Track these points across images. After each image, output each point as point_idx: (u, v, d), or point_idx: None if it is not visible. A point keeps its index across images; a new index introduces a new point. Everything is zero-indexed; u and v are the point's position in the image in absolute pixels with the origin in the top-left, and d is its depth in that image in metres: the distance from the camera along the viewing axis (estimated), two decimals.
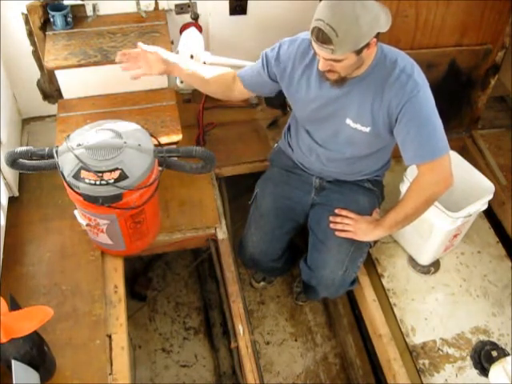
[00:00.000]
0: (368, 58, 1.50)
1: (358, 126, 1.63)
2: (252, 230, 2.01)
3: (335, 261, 1.84)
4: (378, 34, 1.41)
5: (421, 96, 1.51)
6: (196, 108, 2.37)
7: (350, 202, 1.85)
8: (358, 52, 1.41)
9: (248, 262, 2.18)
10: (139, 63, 1.70)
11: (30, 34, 2.16)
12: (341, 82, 1.53)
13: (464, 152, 2.42)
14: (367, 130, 1.62)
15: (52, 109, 2.36)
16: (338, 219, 1.82)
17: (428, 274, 2.10)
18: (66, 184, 1.59)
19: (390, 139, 1.65)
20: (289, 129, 1.95)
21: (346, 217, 1.81)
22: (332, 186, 1.90)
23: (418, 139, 1.54)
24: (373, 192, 1.90)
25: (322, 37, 1.36)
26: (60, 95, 2.21)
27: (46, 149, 1.61)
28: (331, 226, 1.83)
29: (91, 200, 1.58)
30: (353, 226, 1.79)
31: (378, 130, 1.62)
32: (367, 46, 1.41)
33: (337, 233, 1.82)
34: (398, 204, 1.70)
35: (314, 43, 1.42)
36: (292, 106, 1.79)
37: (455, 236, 2.03)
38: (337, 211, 1.84)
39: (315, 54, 1.48)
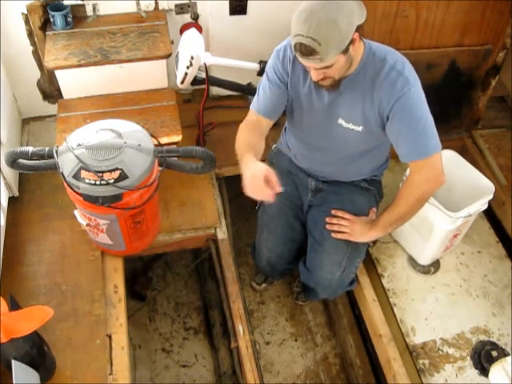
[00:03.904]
0: (357, 54, 1.49)
1: (351, 126, 1.62)
2: (264, 234, 2.01)
3: (332, 262, 1.84)
4: (359, 27, 1.39)
5: (411, 94, 1.48)
6: (196, 108, 2.36)
7: (346, 202, 1.84)
8: (345, 51, 1.39)
9: (265, 268, 2.17)
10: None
11: (30, 34, 2.16)
12: (336, 85, 1.52)
13: (464, 152, 2.42)
14: (359, 128, 1.62)
15: (52, 109, 2.36)
16: (334, 220, 1.82)
17: (428, 273, 2.10)
18: (66, 184, 1.59)
19: (384, 137, 1.64)
20: (285, 129, 1.95)
21: (342, 218, 1.81)
22: (328, 186, 1.89)
23: (410, 137, 1.53)
24: (370, 191, 1.89)
25: (306, 50, 1.35)
26: (60, 95, 2.21)
27: (46, 149, 1.61)
28: (327, 226, 1.83)
29: (91, 200, 1.58)
30: (348, 228, 1.79)
31: (371, 128, 1.61)
32: (352, 42, 1.39)
33: (333, 234, 1.82)
34: (391, 204, 1.69)
35: (300, 58, 1.41)
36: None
37: (455, 236, 2.03)
38: (333, 212, 1.83)
39: (303, 66, 1.46)
